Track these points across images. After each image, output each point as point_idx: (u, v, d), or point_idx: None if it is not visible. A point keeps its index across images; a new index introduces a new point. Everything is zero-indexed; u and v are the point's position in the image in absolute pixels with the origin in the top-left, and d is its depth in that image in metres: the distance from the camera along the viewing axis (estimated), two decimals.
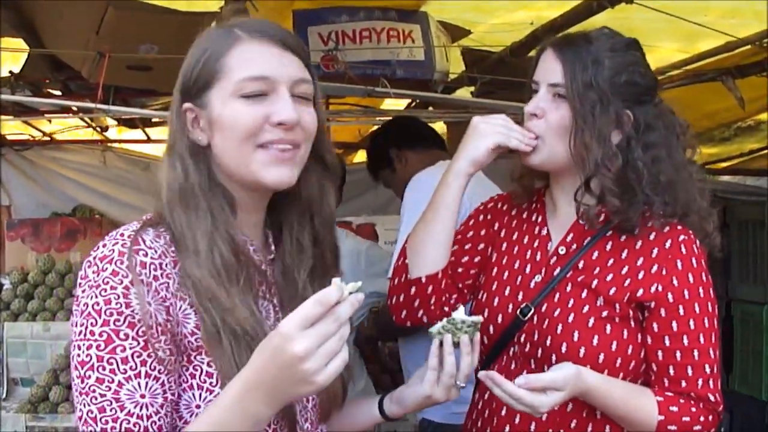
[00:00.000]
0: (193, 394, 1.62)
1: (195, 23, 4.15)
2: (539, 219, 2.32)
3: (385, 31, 4.69)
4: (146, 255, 1.59)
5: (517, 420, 2.15)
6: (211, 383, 1.62)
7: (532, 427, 2.14)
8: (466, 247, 2.37)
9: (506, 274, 2.29)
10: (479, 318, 1.93)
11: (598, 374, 2.03)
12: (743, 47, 4.34)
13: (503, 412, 2.18)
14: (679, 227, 2.15)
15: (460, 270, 2.34)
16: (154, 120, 6.34)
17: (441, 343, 1.91)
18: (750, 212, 5.98)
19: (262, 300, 1.75)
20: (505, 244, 2.34)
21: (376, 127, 4.64)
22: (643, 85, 2.19)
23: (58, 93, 5.36)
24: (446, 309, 2.27)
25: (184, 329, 1.61)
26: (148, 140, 6.82)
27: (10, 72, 4.94)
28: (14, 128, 6.51)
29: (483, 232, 2.39)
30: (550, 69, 2.16)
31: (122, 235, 1.61)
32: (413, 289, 2.29)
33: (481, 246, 2.37)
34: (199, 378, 1.62)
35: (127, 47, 4.15)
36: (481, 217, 2.42)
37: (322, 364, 1.41)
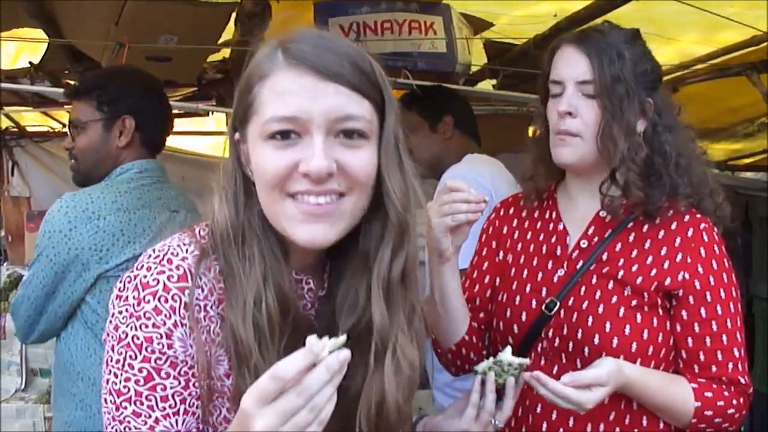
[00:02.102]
0: (207, 430, 1.56)
1: (215, 14, 4.18)
2: (553, 215, 2.33)
3: (406, 22, 4.65)
4: (191, 294, 1.48)
5: (554, 416, 2.16)
6: (225, 428, 1.54)
7: (571, 423, 2.14)
8: (475, 275, 2.40)
9: (525, 272, 2.29)
10: (526, 360, 1.92)
11: (636, 366, 2.06)
12: None
13: (539, 410, 2.19)
14: (698, 215, 2.20)
15: (478, 301, 2.35)
16: (174, 112, 6.32)
17: (482, 380, 1.89)
18: None
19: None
20: (519, 245, 2.35)
21: None
22: (655, 71, 2.24)
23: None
24: (487, 351, 2.32)
25: (215, 373, 1.52)
26: None
27: (30, 63, 4.94)
28: (34, 120, 6.51)
29: (485, 252, 2.42)
30: (575, 66, 2.17)
31: (170, 261, 1.49)
32: (450, 356, 2.32)
33: (486, 265, 2.40)
34: (215, 419, 1.56)
35: (147, 38, 4.14)
36: (484, 237, 2.43)
37: None
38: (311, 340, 1.29)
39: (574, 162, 2.19)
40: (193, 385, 1.49)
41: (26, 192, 6.40)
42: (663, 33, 4.42)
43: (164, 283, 1.47)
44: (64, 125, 6.64)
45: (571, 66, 2.17)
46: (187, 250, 1.52)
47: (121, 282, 1.52)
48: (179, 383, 1.48)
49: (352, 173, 1.46)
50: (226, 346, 1.51)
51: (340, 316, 1.59)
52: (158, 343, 1.46)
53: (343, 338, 1.32)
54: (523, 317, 2.22)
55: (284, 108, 1.43)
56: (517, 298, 2.26)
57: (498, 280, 2.35)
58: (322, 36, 1.52)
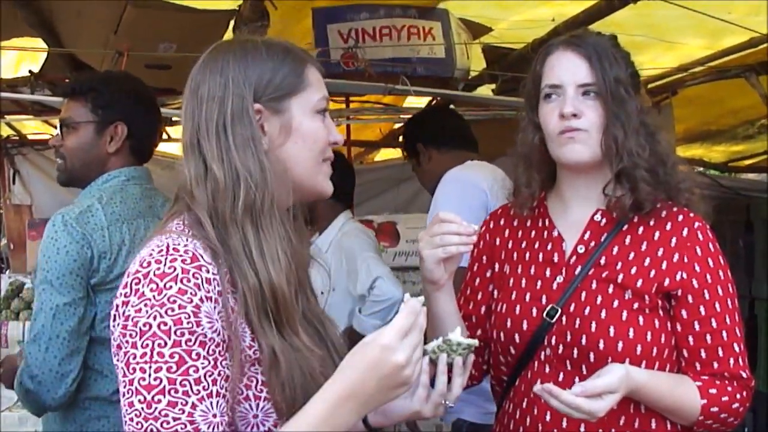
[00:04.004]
0: (250, 405, 1.60)
1: (213, 21, 4.18)
2: (546, 222, 2.32)
3: (405, 28, 4.67)
4: (208, 271, 1.57)
5: (564, 424, 2.14)
6: (268, 392, 1.60)
7: (582, 429, 2.13)
8: (468, 292, 2.40)
9: (523, 281, 2.28)
10: (474, 341, 1.89)
11: (643, 370, 2.07)
12: (767, 43, 4.29)
13: (548, 418, 2.17)
14: (691, 214, 2.21)
15: (474, 319, 2.35)
16: (174, 119, 6.32)
17: (431, 360, 1.86)
18: None
19: None
20: (515, 255, 2.34)
21: (397, 126, 4.60)
22: (637, 74, 2.27)
23: None
24: (487, 366, 2.36)
25: (242, 343, 1.60)
26: (169, 139, 6.79)
27: (30, 71, 4.94)
28: (35, 128, 6.53)
29: (476, 267, 2.41)
30: (575, 69, 2.18)
31: (176, 249, 1.56)
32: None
33: (479, 281, 2.39)
34: (255, 388, 1.61)
35: (146, 46, 4.15)
36: (475, 251, 2.40)
37: (415, 369, 1.56)
38: (407, 296, 1.61)
39: (587, 158, 2.17)
40: (221, 363, 1.54)
41: (28, 200, 6.41)
42: (662, 38, 4.43)
43: (181, 267, 1.54)
44: None
45: (571, 69, 2.17)
46: (184, 239, 1.60)
47: (124, 288, 1.55)
48: (209, 363, 1.52)
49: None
50: (244, 312, 1.61)
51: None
52: (187, 323, 1.51)
53: (421, 298, 1.61)
54: (525, 326, 2.21)
55: (325, 91, 1.82)
56: (517, 308, 2.24)
57: (495, 293, 2.34)
58: None
